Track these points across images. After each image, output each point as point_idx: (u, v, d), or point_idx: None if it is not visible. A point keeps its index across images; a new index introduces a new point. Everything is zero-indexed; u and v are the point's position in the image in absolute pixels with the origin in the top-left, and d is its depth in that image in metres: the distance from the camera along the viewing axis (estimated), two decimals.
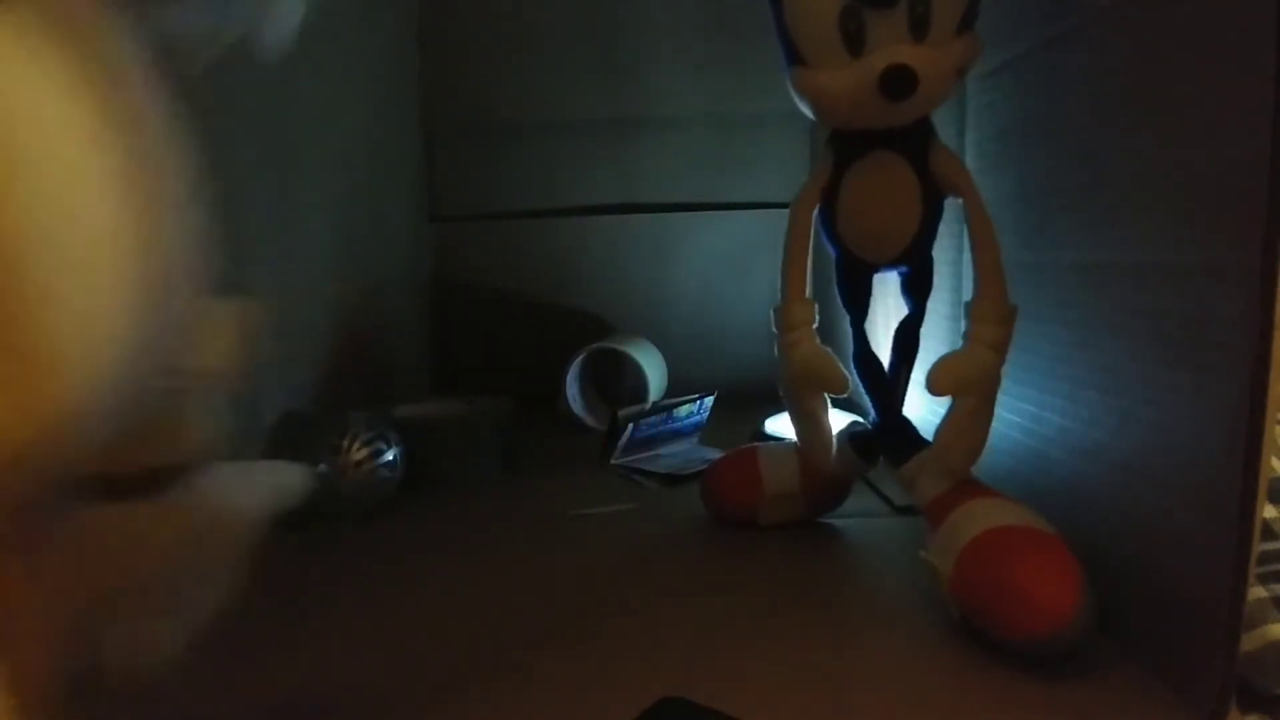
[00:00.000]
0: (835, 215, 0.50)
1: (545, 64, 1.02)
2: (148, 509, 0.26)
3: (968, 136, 0.57)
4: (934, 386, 0.45)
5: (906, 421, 0.51)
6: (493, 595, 0.50)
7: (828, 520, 0.58)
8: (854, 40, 0.44)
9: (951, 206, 0.49)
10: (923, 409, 0.56)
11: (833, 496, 0.58)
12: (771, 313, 0.53)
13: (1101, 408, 0.41)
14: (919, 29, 0.43)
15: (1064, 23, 0.44)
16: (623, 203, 1.05)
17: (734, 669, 0.39)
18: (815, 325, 0.52)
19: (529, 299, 1.05)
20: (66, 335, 0.19)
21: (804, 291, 0.52)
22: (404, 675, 0.41)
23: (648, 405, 0.80)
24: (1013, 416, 0.49)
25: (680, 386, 0.90)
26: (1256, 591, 0.37)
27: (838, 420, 0.55)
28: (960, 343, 0.46)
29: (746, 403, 0.82)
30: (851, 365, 0.52)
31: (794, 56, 0.47)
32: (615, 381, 0.97)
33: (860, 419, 0.59)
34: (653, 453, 0.78)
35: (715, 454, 0.69)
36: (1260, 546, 0.38)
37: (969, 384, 0.45)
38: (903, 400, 0.52)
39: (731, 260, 1.03)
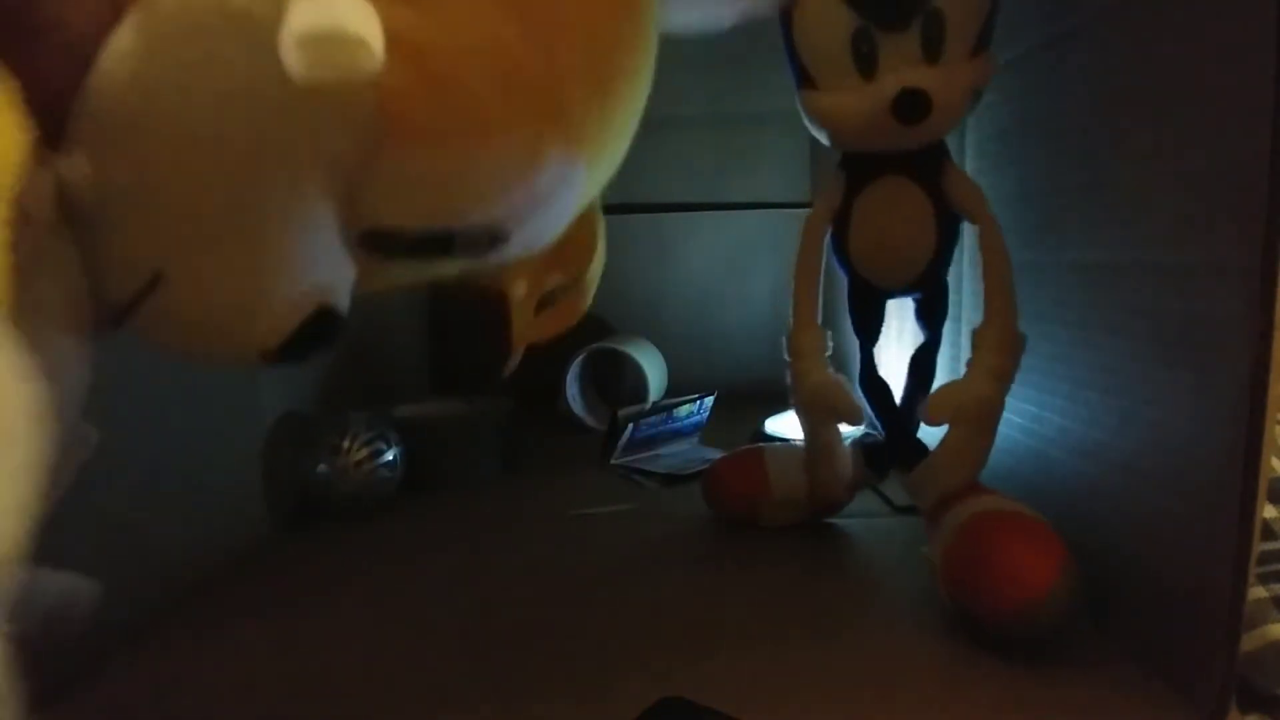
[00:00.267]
0: (847, 239, 0.49)
1: None
2: None
3: (968, 136, 0.57)
4: (930, 416, 0.45)
5: (917, 440, 0.51)
6: (493, 595, 0.50)
7: (828, 520, 0.58)
8: (866, 62, 0.43)
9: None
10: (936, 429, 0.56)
11: (837, 503, 0.58)
12: (783, 339, 0.52)
13: (1101, 408, 0.41)
14: (932, 51, 0.42)
15: (1064, 23, 0.44)
16: (623, 203, 1.04)
17: (734, 669, 0.39)
18: (829, 353, 0.51)
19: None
20: None
21: (814, 317, 0.51)
22: (404, 675, 0.41)
23: (648, 405, 0.80)
24: (1013, 416, 0.49)
25: (680, 386, 0.90)
26: (1256, 591, 0.37)
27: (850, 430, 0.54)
28: (960, 370, 0.45)
29: (746, 403, 0.82)
30: (858, 388, 0.51)
31: (804, 79, 0.46)
32: (615, 381, 0.97)
33: (873, 431, 0.58)
34: (653, 453, 0.78)
35: (715, 454, 0.69)
36: (1260, 546, 0.38)
37: (966, 413, 0.45)
38: (917, 426, 0.51)
39: (731, 260, 1.03)
